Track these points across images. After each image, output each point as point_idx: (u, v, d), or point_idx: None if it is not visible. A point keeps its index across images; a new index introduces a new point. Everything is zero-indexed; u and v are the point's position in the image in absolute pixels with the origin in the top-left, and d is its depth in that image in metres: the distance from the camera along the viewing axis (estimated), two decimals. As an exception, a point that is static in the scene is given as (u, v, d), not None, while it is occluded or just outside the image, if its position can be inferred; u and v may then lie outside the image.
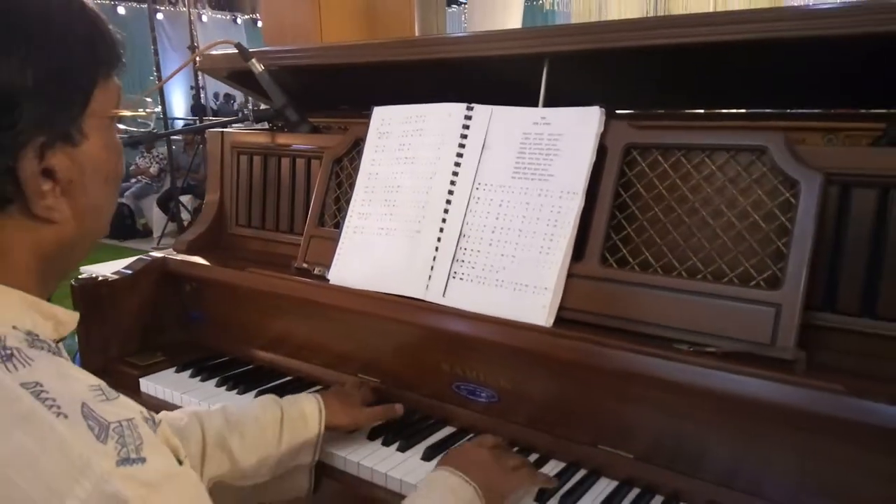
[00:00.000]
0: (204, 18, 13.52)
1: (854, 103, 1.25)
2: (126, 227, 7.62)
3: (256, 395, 1.36)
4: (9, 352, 0.55)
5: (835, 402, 0.87)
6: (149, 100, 0.77)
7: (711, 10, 6.93)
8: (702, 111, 1.39)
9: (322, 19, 4.04)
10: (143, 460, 0.53)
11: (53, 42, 0.61)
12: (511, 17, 6.08)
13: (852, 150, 1.04)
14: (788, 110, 1.30)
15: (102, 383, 0.58)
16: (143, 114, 0.78)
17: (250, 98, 1.94)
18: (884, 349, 0.98)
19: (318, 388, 1.39)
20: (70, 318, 0.69)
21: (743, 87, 1.35)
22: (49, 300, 0.68)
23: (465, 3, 7.48)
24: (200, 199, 6.79)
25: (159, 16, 11.78)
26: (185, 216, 6.81)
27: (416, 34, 5.07)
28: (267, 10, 4.37)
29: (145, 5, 7.19)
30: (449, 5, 9.58)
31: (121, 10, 12.16)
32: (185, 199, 7.13)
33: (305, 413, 1.13)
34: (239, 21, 14.81)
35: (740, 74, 1.27)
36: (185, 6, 8.49)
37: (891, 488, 0.87)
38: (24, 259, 0.64)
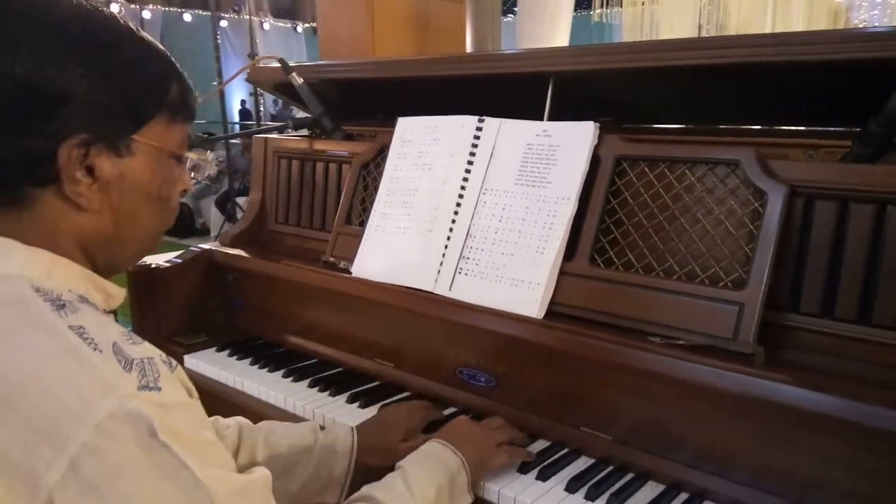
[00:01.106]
0: (266, 26, 13.99)
1: (837, 121, 1.33)
2: (186, 226, 8.00)
3: (284, 375, 1.53)
4: (62, 303, 0.70)
5: (785, 392, 0.97)
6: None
7: (769, 27, 6.85)
8: (694, 126, 1.48)
9: (375, 31, 4.21)
10: (159, 388, 0.67)
11: (119, 70, 0.75)
12: (559, 30, 6.15)
13: (817, 165, 1.13)
14: (774, 127, 1.39)
15: (131, 331, 0.73)
16: (196, 157, 0.88)
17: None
18: (840, 348, 1.07)
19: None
20: (118, 293, 0.84)
21: (740, 105, 1.44)
22: None
23: (518, 13, 7.58)
24: (256, 200, 7.04)
25: (223, 23, 12.23)
26: (240, 216, 7.09)
27: (469, 46, 5.19)
28: (323, 21, 4.58)
29: (210, 13, 7.55)
30: (505, 15, 9.67)
31: (187, 17, 12.70)
32: (241, 200, 7.40)
33: (337, 451, 1.15)
34: (299, 29, 15.27)
35: (737, 93, 1.37)
36: (247, 14, 8.83)
37: (840, 473, 0.96)
38: (68, 240, 0.77)
